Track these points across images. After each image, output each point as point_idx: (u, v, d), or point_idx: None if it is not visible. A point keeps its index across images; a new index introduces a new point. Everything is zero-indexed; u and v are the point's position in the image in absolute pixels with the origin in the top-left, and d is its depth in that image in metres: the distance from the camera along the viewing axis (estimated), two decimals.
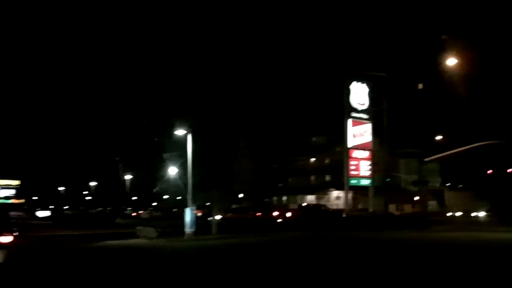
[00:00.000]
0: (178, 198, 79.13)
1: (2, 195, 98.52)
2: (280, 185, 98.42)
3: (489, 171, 66.94)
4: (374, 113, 54.01)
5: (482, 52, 54.00)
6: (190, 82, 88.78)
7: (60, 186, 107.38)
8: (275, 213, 53.85)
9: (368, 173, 53.17)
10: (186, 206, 37.46)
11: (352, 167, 51.62)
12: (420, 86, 56.29)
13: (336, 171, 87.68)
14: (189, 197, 39.58)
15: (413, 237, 30.61)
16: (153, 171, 79.61)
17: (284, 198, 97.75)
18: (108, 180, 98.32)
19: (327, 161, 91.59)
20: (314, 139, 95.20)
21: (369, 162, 53.37)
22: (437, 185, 76.29)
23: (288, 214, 52.66)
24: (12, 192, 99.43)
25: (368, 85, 53.64)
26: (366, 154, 53.29)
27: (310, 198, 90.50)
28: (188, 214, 35.84)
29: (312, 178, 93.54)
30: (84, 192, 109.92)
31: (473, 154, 66.91)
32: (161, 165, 75.79)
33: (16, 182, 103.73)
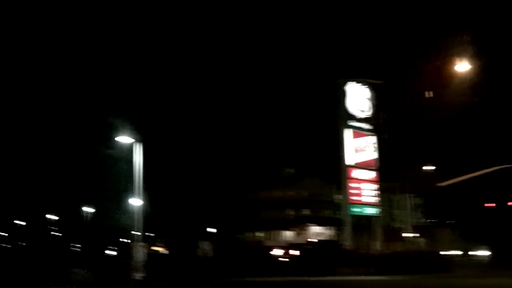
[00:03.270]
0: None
1: None
2: (253, 219, 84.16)
3: (488, 204, 54.37)
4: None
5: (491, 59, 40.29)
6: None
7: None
8: (278, 252, 45.85)
9: (374, 199, 37.90)
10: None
11: (352, 191, 36.50)
12: (428, 94, 41.92)
13: (314, 205, 75.39)
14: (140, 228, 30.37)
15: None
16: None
17: (261, 234, 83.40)
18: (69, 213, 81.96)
19: (305, 193, 78.32)
20: (288, 170, 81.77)
21: (375, 186, 38.08)
22: (422, 220, 64.73)
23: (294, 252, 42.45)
24: None
25: (369, 88, 39.24)
26: (371, 175, 37.98)
27: (288, 234, 76.84)
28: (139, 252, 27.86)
29: (288, 212, 79.74)
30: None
31: (468, 185, 54.86)
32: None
33: None
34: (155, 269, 30.67)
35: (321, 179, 72.29)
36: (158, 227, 66.03)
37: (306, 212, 77.53)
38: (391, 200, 79.57)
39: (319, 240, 55.09)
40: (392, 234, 67.32)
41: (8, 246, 67.69)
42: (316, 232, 74.29)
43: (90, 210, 74.38)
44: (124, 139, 30.22)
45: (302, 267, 35.96)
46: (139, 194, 30.16)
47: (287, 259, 43.47)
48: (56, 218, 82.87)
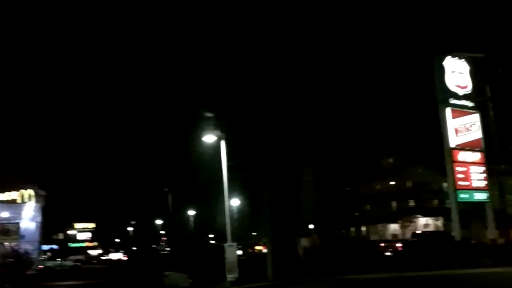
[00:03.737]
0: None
1: (80, 238, 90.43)
2: (356, 214, 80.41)
3: None
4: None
5: None
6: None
7: (128, 227, 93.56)
8: (382, 244, 43.96)
9: (482, 183, 33.73)
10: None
11: (459, 176, 32.81)
12: None
13: (420, 195, 70.64)
14: (228, 228, 26.49)
15: None
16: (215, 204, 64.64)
17: (363, 228, 79.55)
18: (173, 217, 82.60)
19: (408, 184, 73.69)
20: (388, 159, 77.37)
21: (482, 168, 34.02)
22: None
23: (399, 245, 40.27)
24: (88, 235, 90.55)
25: (469, 62, 35.35)
26: (477, 156, 33.86)
27: (393, 227, 72.45)
28: (230, 253, 24.70)
29: (393, 204, 75.27)
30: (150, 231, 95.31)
31: None
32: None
33: (91, 225, 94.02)
34: (249, 270, 28.80)
35: (426, 166, 67.85)
36: (258, 226, 64.66)
37: (411, 203, 73.29)
38: (502, 183, 73.12)
39: (424, 232, 50.95)
40: (507, 221, 61.84)
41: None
42: (423, 223, 69.93)
43: (192, 212, 74.42)
44: (209, 137, 28.18)
45: (409, 261, 33.92)
46: (227, 193, 28.14)
47: (391, 253, 40.35)
48: (161, 222, 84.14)
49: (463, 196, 32.61)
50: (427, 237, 42.46)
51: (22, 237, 54.69)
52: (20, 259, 38.59)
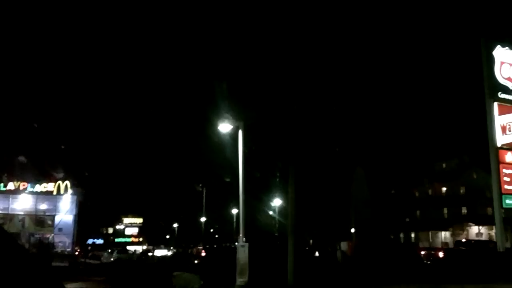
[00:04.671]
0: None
1: (127, 233, 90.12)
2: (407, 219, 76.25)
3: None
4: None
5: None
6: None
7: (174, 223, 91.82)
8: (422, 252, 41.05)
9: None
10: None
11: (506, 179, 28.43)
12: None
13: (474, 202, 65.62)
14: (242, 227, 24.64)
15: None
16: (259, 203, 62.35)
17: (413, 235, 75.29)
18: (218, 214, 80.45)
19: (462, 190, 68.90)
20: (444, 164, 72.64)
21: None
22: None
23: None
24: (135, 230, 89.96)
25: None
26: None
27: (444, 235, 68.23)
28: (242, 253, 22.32)
29: (445, 210, 70.74)
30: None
31: None
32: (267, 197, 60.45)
33: (139, 220, 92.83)
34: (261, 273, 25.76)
35: (481, 170, 62.80)
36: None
37: (464, 210, 68.32)
38: None
39: (470, 240, 46.49)
40: None
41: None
42: (475, 232, 65.02)
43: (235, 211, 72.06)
44: (225, 126, 25.24)
45: (449, 271, 30.51)
46: (243, 187, 25.12)
47: (431, 262, 36.60)
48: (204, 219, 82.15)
49: (510, 201, 28.20)
50: (472, 246, 38.42)
51: (60, 229, 53.75)
52: (43, 250, 37.17)
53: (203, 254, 40.20)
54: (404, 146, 66.78)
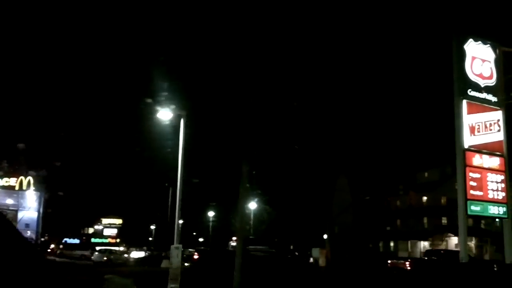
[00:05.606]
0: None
1: (106, 234, 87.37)
2: (388, 228, 74.25)
3: None
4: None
5: None
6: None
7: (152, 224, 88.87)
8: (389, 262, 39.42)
9: (501, 195, 26.21)
10: None
11: (472, 183, 25.76)
12: None
13: (455, 212, 63.22)
14: (176, 227, 22.51)
15: None
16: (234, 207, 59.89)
17: (391, 244, 72.99)
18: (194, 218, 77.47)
19: (443, 200, 66.52)
20: (426, 174, 70.38)
21: (501, 177, 26.46)
22: None
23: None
24: (114, 231, 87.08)
25: (494, 48, 28.25)
26: (495, 162, 26.32)
27: (424, 245, 65.91)
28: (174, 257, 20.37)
29: (425, 220, 68.43)
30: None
31: None
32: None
33: (118, 221, 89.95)
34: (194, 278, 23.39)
35: None
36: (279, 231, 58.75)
37: (445, 220, 65.81)
38: None
39: (439, 250, 44.21)
40: None
41: None
42: (455, 243, 62.62)
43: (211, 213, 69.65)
44: (165, 114, 22.57)
45: (415, 282, 29.18)
46: (181, 182, 22.39)
47: (396, 272, 34.20)
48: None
49: (475, 208, 25.43)
50: (442, 256, 35.91)
51: (27, 225, 51.41)
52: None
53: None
54: (386, 154, 64.30)
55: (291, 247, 60.34)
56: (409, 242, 69.13)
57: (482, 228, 62.86)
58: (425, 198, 69.64)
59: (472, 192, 25.33)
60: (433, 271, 30.46)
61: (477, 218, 54.65)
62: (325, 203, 60.47)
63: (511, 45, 29.50)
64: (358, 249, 64.09)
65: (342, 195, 73.54)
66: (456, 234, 62.29)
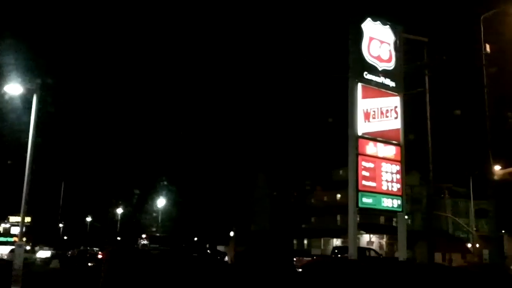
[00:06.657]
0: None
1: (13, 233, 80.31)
2: (303, 226, 72.79)
3: None
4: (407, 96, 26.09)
5: None
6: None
7: (60, 223, 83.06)
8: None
9: (396, 186, 23.84)
10: None
11: (364, 173, 23.13)
12: (488, 48, 27.29)
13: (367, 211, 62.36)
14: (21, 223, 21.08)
15: None
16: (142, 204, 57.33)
17: (305, 241, 71.43)
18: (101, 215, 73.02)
19: None
20: (340, 171, 68.98)
21: (397, 167, 24.05)
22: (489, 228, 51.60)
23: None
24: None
25: (394, 29, 25.88)
26: (391, 151, 23.81)
27: (335, 242, 64.53)
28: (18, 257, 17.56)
29: (338, 218, 67.08)
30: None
31: None
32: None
33: (27, 219, 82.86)
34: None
35: None
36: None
37: (357, 218, 64.70)
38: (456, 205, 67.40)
39: (341, 246, 42.72)
40: (452, 244, 55.42)
41: None
42: (367, 240, 61.61)
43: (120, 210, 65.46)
44: (15, 88, 18.95)
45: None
46: (29, 168, 18.58)
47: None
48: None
49: (366, 200, 22.77)
50: (346, 253, 33.82)
51: None
52: None
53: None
54: (301, 152, 62.76)
55: (207, 245, 57.39)
56: (322, 239, 67.65)
57: (394, 226, 62.23)
58: (339, 195, 68.28)
59: (364, 182, 22.68)
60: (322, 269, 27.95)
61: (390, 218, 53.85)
62: (233, 201, 58.14)
63: (414, 32, 27.46)
64: (272, 247, 61.83)
65: (261, 192, 71.42)
66: (367, 232, 61.54)
